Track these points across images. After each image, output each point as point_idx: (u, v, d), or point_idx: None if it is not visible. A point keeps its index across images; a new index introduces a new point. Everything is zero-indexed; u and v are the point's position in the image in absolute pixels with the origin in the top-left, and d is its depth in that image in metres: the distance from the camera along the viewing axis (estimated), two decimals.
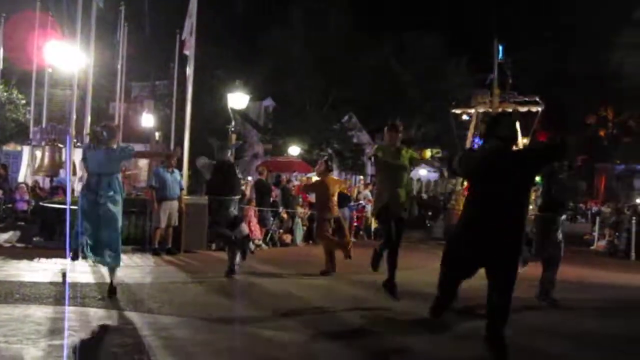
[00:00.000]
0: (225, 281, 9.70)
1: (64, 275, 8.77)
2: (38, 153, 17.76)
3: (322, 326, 6.72)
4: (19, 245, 12.69)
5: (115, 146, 7.81)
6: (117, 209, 7.66)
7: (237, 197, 10.14)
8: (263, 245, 15.25)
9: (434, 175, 52.07)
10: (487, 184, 5.37)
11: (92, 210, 7.54)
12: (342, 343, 6.12)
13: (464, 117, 25.35)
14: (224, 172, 9.88)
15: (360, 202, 19.14)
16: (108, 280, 7.82)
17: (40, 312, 6.61)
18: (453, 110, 25.15)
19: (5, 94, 26.48)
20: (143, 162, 32.01)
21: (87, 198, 7.59)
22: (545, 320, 7.74)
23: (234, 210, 9.94)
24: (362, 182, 28.84)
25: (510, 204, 5.29)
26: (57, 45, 16.65)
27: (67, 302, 7.27)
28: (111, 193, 7.58)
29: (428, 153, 44.30)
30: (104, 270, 9.46)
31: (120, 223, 7.73)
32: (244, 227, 10.13)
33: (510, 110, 21.36)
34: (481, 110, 23.24)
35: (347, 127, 37.35)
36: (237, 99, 15.18)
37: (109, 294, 7.60)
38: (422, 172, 47.52)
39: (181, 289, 8.77)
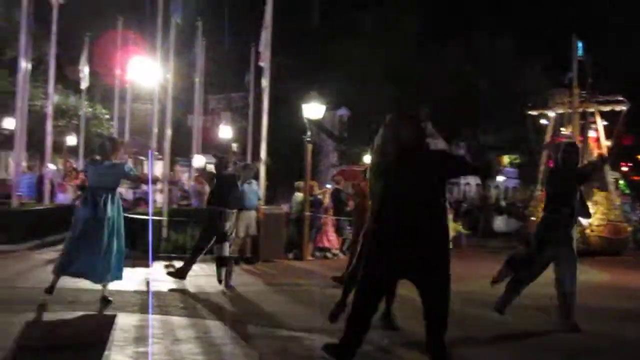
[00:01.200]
0: (303, 290, 9.76)
1: (148, 283, 9.05)
2: None
3: (399, 336, 6.65)
4: None
5: (117, 161, 7.81)
6: (120, 223, 7.76)
7: (235, 210, 10.01)
8: (340, 254, 15.26)
9: (513, 182, 50.97)
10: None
11: (91, 224, 7.59)
12: (419, 354, 6.03)
13: (543, 121, 24.52)
14: (225, 185, 9.87)
15: None
16: (188, 288, 7.98)
17: (126, 320, 6.82)
18: (529, 112, 24.30)
19: (90, 109, 27.55)
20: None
21: (87, 212, 7.65)
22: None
23: (227, 225, 9.74)
24: None
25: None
26: (138, 61, 17.21)
27: (150, 310, 7.48)
28: (112, 207, 7.64)
29: (506, 159, 43.58)
30: (185, 280, 9.69)
31: (122, 238, 7.79)
32: (226, 247, 9.72)
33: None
34: (560, 111, 22.37)
35: None
36: (313, 109, 15.26)
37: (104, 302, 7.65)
38: (501, 179, 46.52)
39: (260, 298, 8.87)
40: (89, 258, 7.55)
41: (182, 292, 9.04)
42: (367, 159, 32.67)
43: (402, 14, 34.77)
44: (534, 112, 23.86)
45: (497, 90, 35.45)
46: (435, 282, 4.97)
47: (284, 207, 16.31)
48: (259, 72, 18.34)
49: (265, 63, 16.34)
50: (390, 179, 4.96)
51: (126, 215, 14.37)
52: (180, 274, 9.65)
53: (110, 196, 7.64)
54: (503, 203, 32.83)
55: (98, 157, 7.85)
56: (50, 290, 7.60)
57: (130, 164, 8.23)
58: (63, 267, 7.69)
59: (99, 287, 8.82)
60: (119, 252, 7.76)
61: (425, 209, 4.84)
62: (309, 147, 14.81)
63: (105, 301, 7.67)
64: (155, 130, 15.83)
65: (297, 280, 10.84)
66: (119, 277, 7.85)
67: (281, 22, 18.05)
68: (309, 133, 14.87)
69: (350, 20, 36.58)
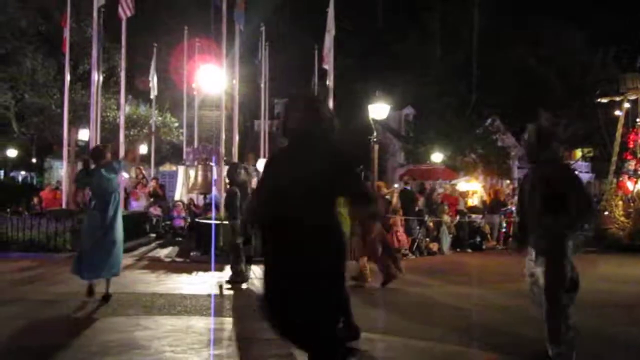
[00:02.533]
0: (374, 291, 9.73)
1: (221, 287, 9.19)
2: (192, 172, 18.73)
3: (473, 336, 6.55)
4: (178, 259, 13.42)
5: (106, 165, 8.20)
6: (120, 226, 8.19)
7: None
8: (410, 254, 15.16)
9: (586, 176, 49.45)
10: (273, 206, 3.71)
11: (97, 230, 7.99)
12: (499, 354, 5.94)
13: (617, 112, 23.53)
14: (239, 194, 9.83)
15: (509, 207, 18.56)
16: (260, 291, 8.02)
17: (201, 323, 6.95)
18: (599, 101, 23.26)
19: (160, 118, 28.25)
20: None
21: (93, 219, 8.06)
22: None
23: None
24: (510, 186, 27.97)
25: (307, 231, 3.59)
26: (204, 69, 17.52)
27: (224, 313, 7.60)
28: (113, 212, 8.07)
29: (578, 153, 42.33)
30: (257, 282, 9.81)
31: (122, 237, 8.27)
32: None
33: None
34: (632, 97, 21.26)
35: (490, 131, 36.44)
36: (378, 110, 15.23)
37: (104, 300, 8.01)
38: None
39: None
40: (98, 261, 7.97)
41: (255, 295, 9.14)
42: (434, 157, 32.50)
43: (467, 11, 34.28)
44: (605, 100, 22.77)
45: (567, 81, 34.55)
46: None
47: None
48: (323, 74, 18.43)
49: (329, 65, 16.40)
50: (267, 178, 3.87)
51: (198, 220, 14.76)
52: (239, 282, 9.74)
53: (111, 199, 8.12)
54: None
55: (92, 167, 8.37)
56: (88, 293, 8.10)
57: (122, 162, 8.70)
58: (77, 271, 8.12)
59: (175, 291, 9.06)
60: (119, 249, 8.21)
61: (302, 223, 3.59)
62: (376, 147, 14.75)
63: (107, 298, 8.06)
64: (223, 136, 16.10)
65: (366, 281, 10.80)
66: (117, 273, 8.26)
67: (345, 23, 18.10)
68: (375, 133, 14.81)
69: (415, 19, 36.33)
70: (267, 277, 3.71)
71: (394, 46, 35.86)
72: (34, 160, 33.15)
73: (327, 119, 3.90)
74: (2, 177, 34.42)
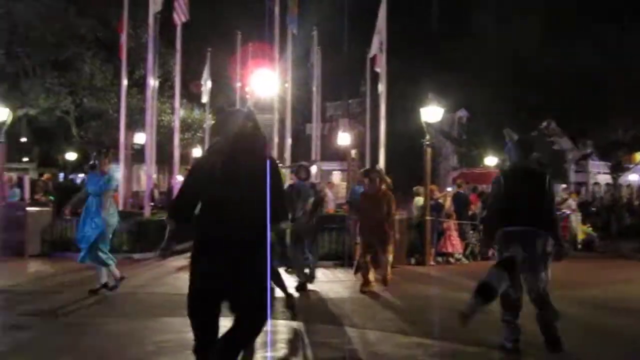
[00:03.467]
0: (425, 296, 9.64)
1: (272, 290, 9.21)
2: None
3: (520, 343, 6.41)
4: None
5: (106, 172, 9.12)
6: (103, 224, 8.89)
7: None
8: (463, 259, 14.95)
9: None
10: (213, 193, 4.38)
11: (88, 224, 8.89)
12: None
13: None
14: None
15: (564, 211, 18.12)
16: (310, 294, 8.04)
17: None
18: None
19: (213, 122, 28.58)
20: (337, 178, 33.08)
21: (85, 214, 8.96)
22: None
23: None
24: (565, 190, 27.32)
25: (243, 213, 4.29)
26: (257, 73, 17.68)
27: (280, 316, 7.61)
28: (99, 210, 8.89)
29: (638, 157, 41.10)
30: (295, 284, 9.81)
31: (104, 233, 8.96)
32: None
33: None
34: None
35: (545, 134, 35.68)
36: (431, 113, 15.03)
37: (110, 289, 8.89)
38: (633, 177, 43.94)
39: (382, 304, 8.83)
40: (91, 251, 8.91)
41: (306, 298, 9.15)
42: (488, 160, 32.01)
43: (523, 12, 33.66)
44: None
45: (627, 83, 33.59)
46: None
47: (403, 213, 16.12)
48: (375, 77, 18.38)
49: (381, 68, 16.33)
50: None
51: None
52: (304, 285, 9.70)
53: (99, 201, 8.94)
54: (636, 202, 31.07)
55: (92, 168, 9.42)
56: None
57: (115, 175, 9.68)
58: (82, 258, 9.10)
59: None
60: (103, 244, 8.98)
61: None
62: (429, 151, 14.57)
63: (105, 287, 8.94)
64: (276, 139, 16.19)
65: (418, 286, 10.72)
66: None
67: (399, 25, 18.00)
68: (427, 137, 14.64)
69: (468, 20, 35.88)
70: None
71: (448, 48, 35.46)
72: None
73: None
74: (62, 179, 35.33)
